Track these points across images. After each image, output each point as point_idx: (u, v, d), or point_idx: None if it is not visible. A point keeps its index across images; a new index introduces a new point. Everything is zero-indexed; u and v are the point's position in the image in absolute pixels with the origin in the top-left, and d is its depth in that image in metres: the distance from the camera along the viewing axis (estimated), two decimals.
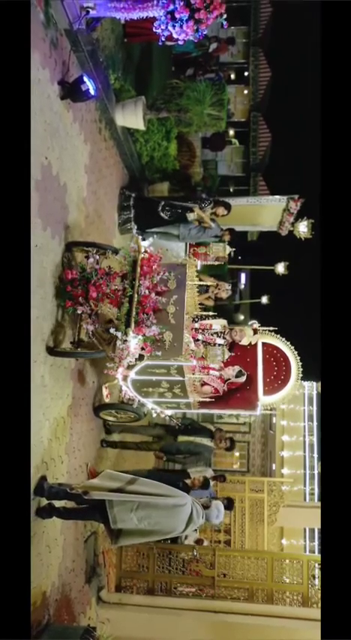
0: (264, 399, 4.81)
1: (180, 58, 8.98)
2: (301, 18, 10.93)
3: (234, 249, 5.80)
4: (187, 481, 4.70)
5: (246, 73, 13.56)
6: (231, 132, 13.56)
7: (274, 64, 12.87)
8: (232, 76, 13.40)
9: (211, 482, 6.15)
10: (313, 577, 5.57)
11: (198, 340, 4.38)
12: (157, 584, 5.47)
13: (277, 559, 5.70)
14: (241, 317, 13.91)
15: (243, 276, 15.59)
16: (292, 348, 4.89)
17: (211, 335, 4.55)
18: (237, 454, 11.84)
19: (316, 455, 10.12)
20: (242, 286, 15.65)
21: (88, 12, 3.81)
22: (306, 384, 10.29)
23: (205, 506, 4.08)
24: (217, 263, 5.83)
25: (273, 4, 12.55)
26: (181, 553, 5.62)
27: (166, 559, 5.54)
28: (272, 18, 12.77)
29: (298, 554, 7.76)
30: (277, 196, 7.56)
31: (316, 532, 9.77)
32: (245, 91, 13.60)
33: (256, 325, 4.91)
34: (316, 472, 10.04)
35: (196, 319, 4.47)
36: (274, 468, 10.74)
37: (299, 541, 9.89)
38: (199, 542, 6.61)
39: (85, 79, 4.00)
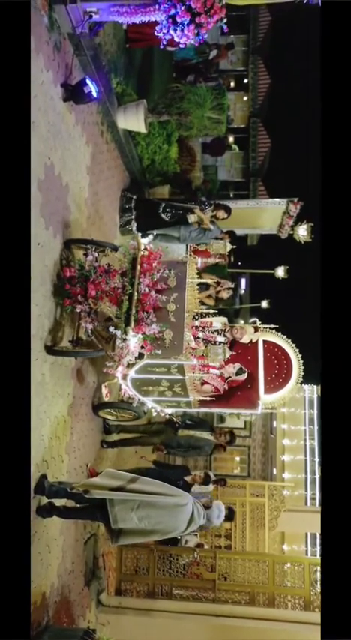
0: (265, 398, 4.80)
1: (181, 65, 9.10)
2: (299, 26, 11.09)
3: (235, 246, 5.80)
4: (188, 478, 4.69)
5: (245, 81, 13.72)
6: (231, 138, 13.68)
7: (273, 72, 13.03)
8: (232, 84, 13.56)
9: (211, 486, 6.13)
10: (315, 582, 5.52)
11: (198, 338, 4.38)
12: (158, 587, 5.43)
13: (279, 562, 5.66)
14: (241, 322, 13.90)
15: (243, 281, 15.62)
16: (294, 345, 4.88)
17: (212, 333, 4.55)
18: (238, 459, 11.78)
19: (317, 459, 10.06)
20: (242, 291, 15.67)
21: (90, 16, 3.88)
22: (306, 387, 10.26)
23: (206, 507, 4.06)
24: (217, 261, 5.83)
25: (272, 13, 12.74)
26: (182, 555, 5.58)
27: (167, 562, 5.50)
28: (271, 26, 12.96)
29: (299, 557, 7.71)
30: (277, 199, 7.61)
31: (317, 537, 9.69)
32: (245, 98, 13.74)
33: (258, 323, 4.92)
34: (317, 476, 9.98)
35: (197, 317, 4.47)
36: (274, 472, 10.68)
37: (301, 546, 9.81)
38: (199, 546, 6.59)
39: (88, 81, 4.07)
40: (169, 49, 7.37)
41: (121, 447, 5.72)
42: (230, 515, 5.14)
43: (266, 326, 4.99)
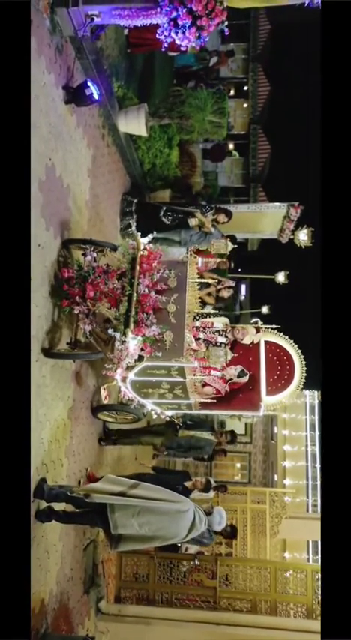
0: (267, 400, 4.74)
1: (181, 72, 9.17)
2: (299, 34, 11.21)
3: (236, 246, 5.79)
4: (188, 484, 4.63)
5: (245, 88, 13.84)
6: (231, 145, 13.77)
7: (273, 79, 13.15)
8: (232, 92, 13.66)
9: (212, 493, 6.05)
10: (318, 589, 5.44)
11: (199, 339, 4.33)
12: (158, 594, 5.34)
13: (281, 569, 5.58)
14: None
15: (243, 288, 15.62)
16: (296, 346, 4.84)
17: (213, 333, 4.51)
18: (238, 465, 11.69)
19: (318, 465, 9.97)
20: (243, 297, 15.65)
21: (92, 19, 3.89)
22: (307, 392, 10.20)
23: (208, 513, 4.00)
24: (218, 261, 5.80)
25: (271, 21, 12.89)
26: (182, 562, 5.50)
27: (167, 569, 5.42)
28: (271, 35, 13.10)
29: (302, 564, 7.62)
30: (278, 203, 7.63)
31: (319, 545, 9.57)
32: (245, 105, 13.85)
33: (259, 323, 4.88)
34: (318, 483, 9.88)
35: (197, 317, 4.42)
36: (275, 478, 10.59)
37: (302, 554, 9.69)
38: (199, 553, 6.49)
39: (90, 84, 4.08)
40: (171, 54, 7.44)
41: (120, 445, 5.61)
42: (232, 533, 4.98)
43: (268, 326, 4.95)
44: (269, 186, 12.52)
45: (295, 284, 9.83)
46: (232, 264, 6.43)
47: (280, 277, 9.77)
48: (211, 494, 6.01)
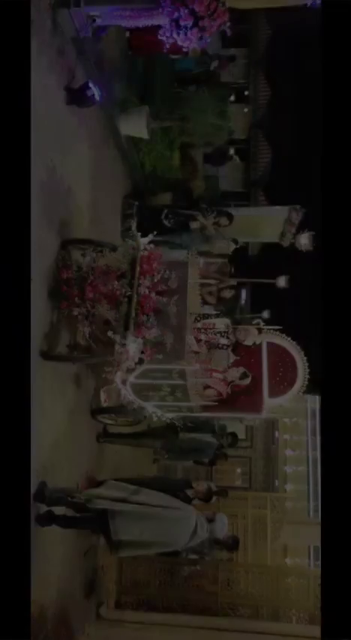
0: (270, 402, 4.69)
1: (182, 76, 9.18)
2: (299, 39, 11.27)
3: (238, 246, 5.78)
4: (190, 492, 4.58)
5: (246, 93, 13.87)
6: (231, 150, 13.79)
7: (273, 83, 13.20)
8: (233, 97, 13.69)
9: (213, 498, 5.99)
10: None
11: (201, 340, 4.29)
12: (158, 600, 5.29)
13: (283, 574, 5.53)
14: None
15: (243, 293, 15.58)
16: (298, 347, 4.79)
17: (215, 334, 4.47)
18: (239, 470, 11.61)
19: (319, 470, 9.90)
20: (243, 302, 15.62)
21: (94, 20, 3.90)
22: (308, 397, 10.14)
23: (210, 519, 3.97)
24: (221, 262, 5.79)
25: (271, 26, 12.96)
26: (183, 568, 5.45)
27: (168, 574, 5.37)
28: (271, 39, 13.16)
29: (304, 570, 7.56)
30: (279, 207, 7.61)
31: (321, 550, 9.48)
32: (245, 110, 13.88)
33: (261, 324, 4.85)
34: (319, 487, 9.81)
35: (199, 318, 4.39)
36: (276, 483, 10.52)
37: (304, 560, 9.60)
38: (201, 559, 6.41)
39: (91, 85, 4.09)
40: (172, 56, 7.45)
41: (119, 444, 5.55)
42: (234, 545, 4.98)
43: (270, 327, 4.91)
44: (270, 190, 12.53)
45: (296, 288, 9.79)
46: (233, 269, 6.42)
47: (281, 282, 9.71)
48: (213, 499, 5.95)
